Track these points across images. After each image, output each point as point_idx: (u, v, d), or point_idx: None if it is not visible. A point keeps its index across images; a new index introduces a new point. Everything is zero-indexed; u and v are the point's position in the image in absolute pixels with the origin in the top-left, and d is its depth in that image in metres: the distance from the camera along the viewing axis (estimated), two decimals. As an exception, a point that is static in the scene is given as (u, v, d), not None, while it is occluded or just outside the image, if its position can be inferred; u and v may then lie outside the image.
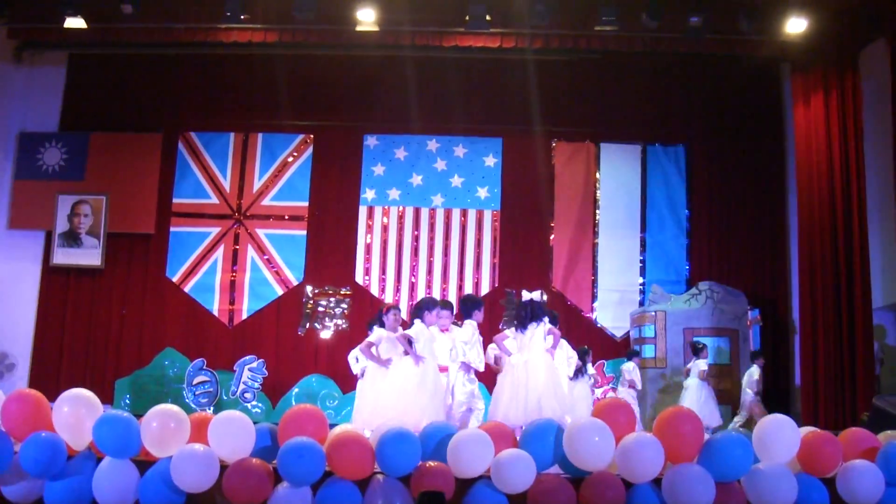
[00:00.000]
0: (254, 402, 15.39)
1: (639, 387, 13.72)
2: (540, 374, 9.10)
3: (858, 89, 13.06)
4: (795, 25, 13.00)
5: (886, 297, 12.65)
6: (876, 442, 6.89)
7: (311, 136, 16.44)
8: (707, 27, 13.12)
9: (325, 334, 15.84)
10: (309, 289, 15.97)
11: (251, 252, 16.07)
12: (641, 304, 15.77)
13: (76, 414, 6.57)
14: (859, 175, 12.82)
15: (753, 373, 13.68)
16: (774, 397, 14.39)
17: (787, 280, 15.63)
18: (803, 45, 13.51)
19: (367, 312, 15.62)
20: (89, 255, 15.86)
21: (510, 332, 9.85)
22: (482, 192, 16.27)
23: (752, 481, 6.37)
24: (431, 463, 6.33)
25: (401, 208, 16.24)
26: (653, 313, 14.74)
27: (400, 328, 9.81)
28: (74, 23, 13.44)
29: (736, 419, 13.64)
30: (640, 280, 16.14)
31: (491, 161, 16.35)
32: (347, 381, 15.36)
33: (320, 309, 15.92)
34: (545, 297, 15.76)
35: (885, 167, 12.03)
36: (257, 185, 16.29)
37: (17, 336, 15.66)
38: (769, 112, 16.23)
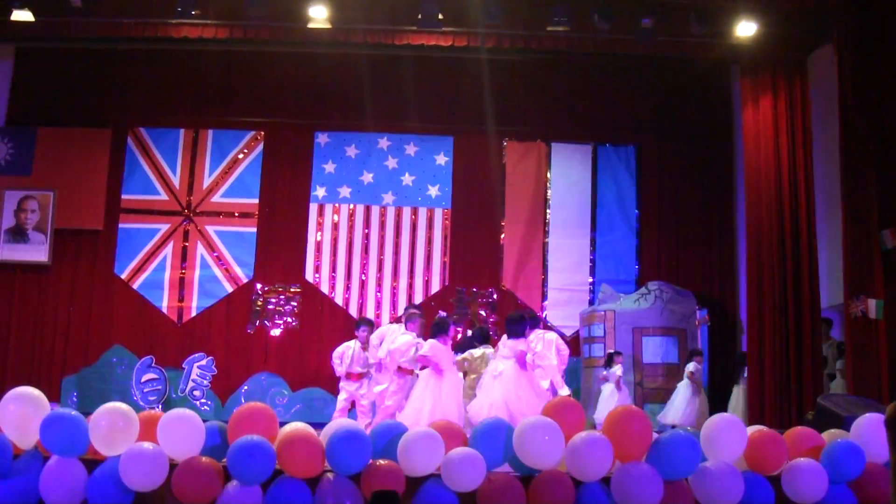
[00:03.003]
0: (203, 400, 15.32)
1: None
2: None
3: (807, 93, 13.23)
4: (745, 29, 13.13)
5: (831, 299, 12.81)
6: (820, 441, 6.98)
7: (262, 132, 16.36)
8: (658, 29, 13.21)
9: (275, 332, 15.77)
10: (259, 286, 15.90)
11: (201, 249, 15.97)
12: (591, 303, 15.86)
13: (23, 412, 6.50)
14: (807, 177, 12.98)
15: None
16: (722, 397, 14.52)
17: (735, 280, 15.80)
18: (753, 48, 13.65)
19: (317, 310, 15.70)
20: (36, 251, 15.68)
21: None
22: (433, 191, 16.29)
23: (700, 480, 6.43)
24: (382, 461, 6.33)
25: (351, 206, 16.21)
26: (602, 312, 14.82)
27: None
28: (22, 16, 13.25)
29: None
30: (590, 279, 16.23)
31: (442, 159, 16.37)
32: (297, 379, 15.40)
33: (270, 306, 15.86)
34: (495, 297, 15.90)
35: (831, 171, 12.18)
36: (207, 181, 16.18)
37: (-38, 333, 15.49)
38: (719, 114, 16.40)
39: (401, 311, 15.56)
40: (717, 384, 14.95)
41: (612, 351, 14.03)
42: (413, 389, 10.88)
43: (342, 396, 12.70)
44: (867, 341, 10.67)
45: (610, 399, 13.39)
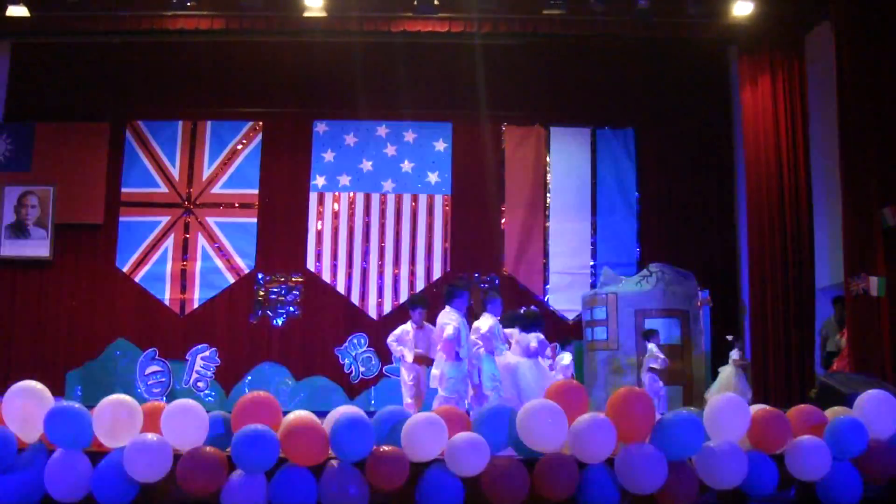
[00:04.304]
0: (207, 391, 15.36)
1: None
2: None
3: (804, 72, 13.20)
4: (742, 8, 13.13)
5: (833, 277, 12.80)
6: (823, 418, 6.97)
7: (261, 123, 16.37)
8: (655, 10, 13.20)
9: (278, 321, 15.80)
10: (260, 276, 15.92)
11: (202, 240, 15.99)
12: (593, 286, 15.86)
13: (27, 406, 6.49)
14: (806, 157, 12.98)
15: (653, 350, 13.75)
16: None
17: (737, 261, 15.79)
18: (750, 28, 13.64)
19: (319, 299, 15.70)
20: (37, 247, 15.70)
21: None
22: (432, 177, 16.29)
23: (704, 459, 6.43)
24: (386, 447, 6.34)
25: (351, 194, 16.22)
26: (604, 295, 14.82)
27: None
28: (17, 11, 13.28)
29: None
30: (591, 262, 16.25)
31: (441, 146, 16.37)
32: (301, 368, 15.43)
33: (272, 296, 15.88)
34: (497, 282, 15.89)
35: (832, 149, 12.16)
36: (207, 173, 16.19)
37: (-35, 329, 15.52)
38: (717, 95, 16.37)
39: (403, 299, 15.61)
40: (720, 364, 14.95)
41: (731, 336, 13.97)
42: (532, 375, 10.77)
43: (408, 381, 11.26)
44: (868, 319, 10.66)
45: (727, 383, 13.34)
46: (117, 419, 6.32)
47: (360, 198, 16.21)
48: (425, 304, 11.57)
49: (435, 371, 10.23)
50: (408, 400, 11.05)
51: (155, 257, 15.92)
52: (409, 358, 11.16)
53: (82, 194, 15.84)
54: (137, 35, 15.23)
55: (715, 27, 13.98)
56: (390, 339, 11.45)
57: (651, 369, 13.34)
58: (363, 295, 15.87)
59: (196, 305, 15.87)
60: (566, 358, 13.23)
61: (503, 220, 16.27)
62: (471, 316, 10.91)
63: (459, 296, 10.43)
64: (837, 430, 6.71)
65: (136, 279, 15.84)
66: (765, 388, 12.98)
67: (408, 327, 11.31)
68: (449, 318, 10.18)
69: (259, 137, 16.33)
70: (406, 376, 11.22)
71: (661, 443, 6.37)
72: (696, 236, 16.13)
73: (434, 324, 10.69)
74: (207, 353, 15.50)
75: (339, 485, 6.15)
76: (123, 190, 16.05)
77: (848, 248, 11.15)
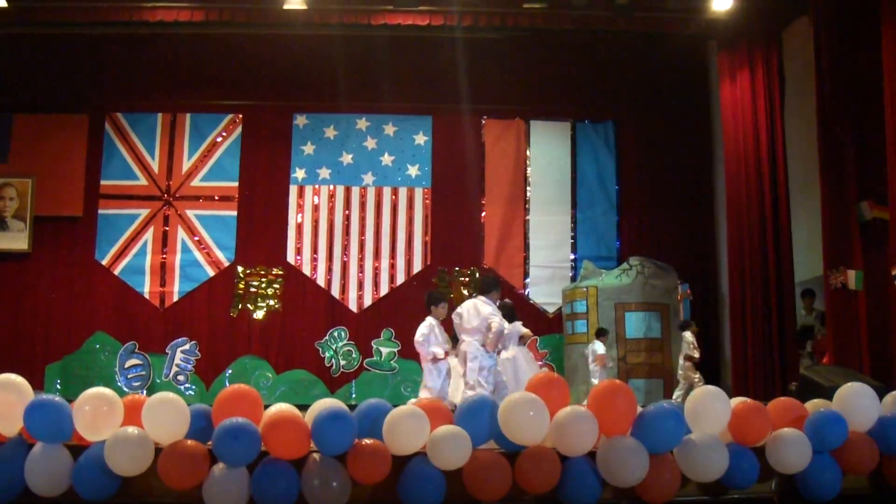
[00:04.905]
0: (187, 385, 15.32)
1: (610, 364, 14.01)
2: None
3: (782, 68, 13.25)
4: (721, 4, 13.15)
5: (812, 270, 12.86)
6: (803, 411, 7.00)
7: (240, 115, 16.33)
8: (635, 5, 13.21)
9: (258, 315, 15.77)
10: (240, 269, 15.88)
11: (181, 233, 15.94)
12: (573, 280, 15.90)
13: (6, 400, 6.46)
14: (784, 152, 13.03)
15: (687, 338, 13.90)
16: (705, 369, 14.59)
17: (717, 254, 15.85)
18: (729, 22, 13.67)
19: (299, 292, 15.68)
20: (16, 239, 15.62)
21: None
22: (413, 171, 16.28)
23: (685, 452, 6.45)
24: (367, 441, 6.34)
25: (331, 187, 16.19)
26: (584, 289, 14.85)
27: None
28: (-5, 2, 13.18)
29: (676, 392, 13.89)
30: (572, 256, 16.29)
31: (421, 139, 16.37)
32: (281, 361, 15.40)
33: (252, 289, 15.84)
34: (477, 276, 15.90)
35: (808, 144, 12.21)
36: (186, 165, 16.13)
37: (-57, 322, 15.43)
38: (697, 89, 16.43)
39: (383, 292, 15.62)
40: (701, 357, 14.99)
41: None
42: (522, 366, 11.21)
43: (434, 377, 10.57)
44: (847, 312, 10.71)
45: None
46: (98, 412, 6.29)
47: (340, 191, 16.19)
48: (448, 299, 11.62)
49: (472, 364, 10.21)
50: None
51: (134, 250, 15.86)
52: (442, 355, 10.54)
53: (61, 186, 15.78)
54: (117, 26, 15.15)
55: (694, 22, 14.01)
56: (420, 341, 10.57)
57: (689, 357, 13.62)
58: (343, 288, 15.86)
59: (176, 298, 15.82)
60: (600, 347, 13.48)
61: (483, 214, 16.29)
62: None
63: (493, 289, 10.61)
64: (817, 422, 6.74)
65: (116, 272, 15.77)
66: (745, 380, 13.02)
67: (432, 322, 10.64)
68: (493, 312, 10.35)
69: (239, 130, 16.28)
70: (430, 379, 10.59)
71: (642, 435, 6.39)
72: (677, 229, 16.20)
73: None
74: (187, 347, 15.46)
75: (321, 478, 6.14)
76: (102, 182, 15.99)
77: (826, 242, 11.20)
